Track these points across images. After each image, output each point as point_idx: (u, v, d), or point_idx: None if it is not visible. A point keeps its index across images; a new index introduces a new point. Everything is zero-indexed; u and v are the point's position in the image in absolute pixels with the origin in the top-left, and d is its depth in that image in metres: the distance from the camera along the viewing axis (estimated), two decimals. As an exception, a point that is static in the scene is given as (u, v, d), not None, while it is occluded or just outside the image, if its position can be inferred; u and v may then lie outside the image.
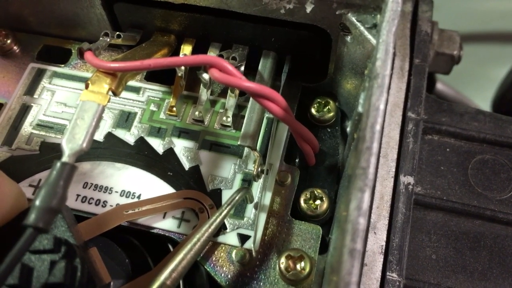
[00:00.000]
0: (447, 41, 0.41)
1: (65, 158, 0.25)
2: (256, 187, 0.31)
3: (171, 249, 0.30)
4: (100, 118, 0.27)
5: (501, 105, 0.60)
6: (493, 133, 0.35)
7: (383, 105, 0.23)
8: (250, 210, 0.31)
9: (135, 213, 0.30)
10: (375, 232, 0.31)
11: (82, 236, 0.28)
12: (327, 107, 0.34)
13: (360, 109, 0.26)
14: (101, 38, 0.30)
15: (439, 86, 0.56)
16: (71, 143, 0.25)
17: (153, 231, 0.30)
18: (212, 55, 0.33)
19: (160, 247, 0.31)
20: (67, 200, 0.24)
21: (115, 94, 0.28)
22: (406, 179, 0.33)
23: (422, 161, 0.34)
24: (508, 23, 0.75)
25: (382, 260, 0.30)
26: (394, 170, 0.33)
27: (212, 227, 0.28)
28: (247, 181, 0.31)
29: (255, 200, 0.31)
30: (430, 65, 0.41)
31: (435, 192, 0.33)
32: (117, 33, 0.32)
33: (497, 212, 0.33)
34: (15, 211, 0.25)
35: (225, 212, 0.28)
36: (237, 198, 0.29)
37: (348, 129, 0.35)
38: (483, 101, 0.61)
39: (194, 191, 0.31)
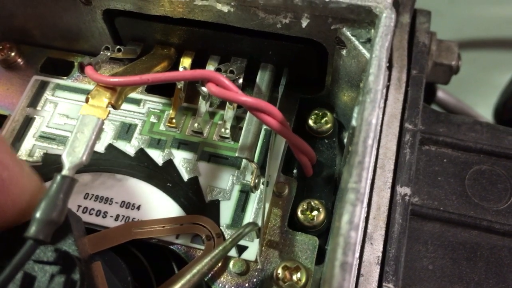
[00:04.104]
0: (445, 51, 0.41)
1: (65, 171, 0.25)
2: (254, 198, 0.32)
3: (173, 263, 0.31)
4: (100, 131, 0.27)
5: (504, 112, 0.60)
6: (490, 144, 0.35)
7: (375, 120, 0.24)
8: (248, 221, 0.31)
9: (143, 232, 0.30)
10: (371, 243, 0.31)
11: (88, 249, 0.28)
12: (325, 119, 0.35)
13: (353, 123, 0.26)
14: (101, 53, 0.31)
15: (440, 94, 0.56)
16: (71, 157, 0.26)
17: (152, 241, 0.31)
18: (210, 68, 0.34)
19: (161, 259, 0.31)
20: (66, 212, 0.24)
21: (114, 107, 0.28)
22: (403, 190, 0.33)
23: (419, 172, 0.35)
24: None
25: (378, 270, 0.30)
26: (391, 181, 0.33)
27: (214, 260, 0.28)
28: (245, 192, 0.32)
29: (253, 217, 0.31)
30: (429, 76, 0.41)
31: (432, 203, 0.34)
32: (118, 47, 0.32)
33: (493, 223, 0.33)
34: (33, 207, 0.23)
35: (229, 246, 0.29)
36: (244, 233, 0.29)
37: (345, 141, 0.35)
38: (486, 108, 0.61)
39: (204, 218, 0.31)
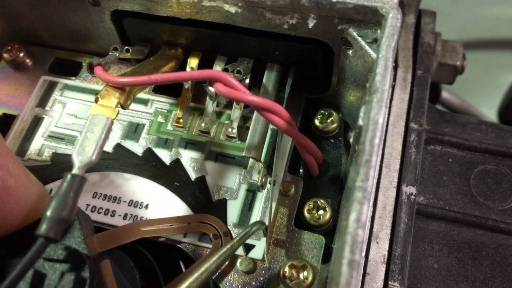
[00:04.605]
0: (450, 52, 0.41)
1: (75, 170, 0.26)
2: (261, 197, 0.32)
3: (181, 262, 0.31)
4: (109, 131, 0.28)
5: (508, 112, 0.60)
6: (495, 143, 0.36)
7: (382, 119, 0.24)
8: (255, 220, 0.31)
9: (151, 231, 0.31)
10: (377, 242, 0.31)
11: (97, 247, 0.28)
12: (330, 118, 0.35)
13: (360, 122, 0.26)
14: (110, 53, 0.31)
15: (445, 94, 0.56)
16: (81, 156, 0.26)
17: (159, 240, 0.31)
18: (217, 68, 0.34)
19: (169, 258, 0.32)
20: (76, 210, 0.25)
21: (123, 107, 0.29)
22: (409, 189, 0.33)
23: (425, 171, 0.35)
24: (516, 29, 0.75)
25: (384, 269, 0.31)
26: (396, 180, 0.33)
27: (221, 258, 0.28)
28: (252, 191, 0.32)
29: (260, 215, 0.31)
30: (433, 76, 0.41)
31: (437, 202, 0.34)
32: (126, 47, 0.33)
33: (498, 222, 0.33)
34: (39, 212, 0.24)
35: (236, 245, 0.29)
36: (251, 232, 0.29)
37: (351, 140, 0.36)
38: (490, 108, 0.61)
39: (212, 216, 0.31)
